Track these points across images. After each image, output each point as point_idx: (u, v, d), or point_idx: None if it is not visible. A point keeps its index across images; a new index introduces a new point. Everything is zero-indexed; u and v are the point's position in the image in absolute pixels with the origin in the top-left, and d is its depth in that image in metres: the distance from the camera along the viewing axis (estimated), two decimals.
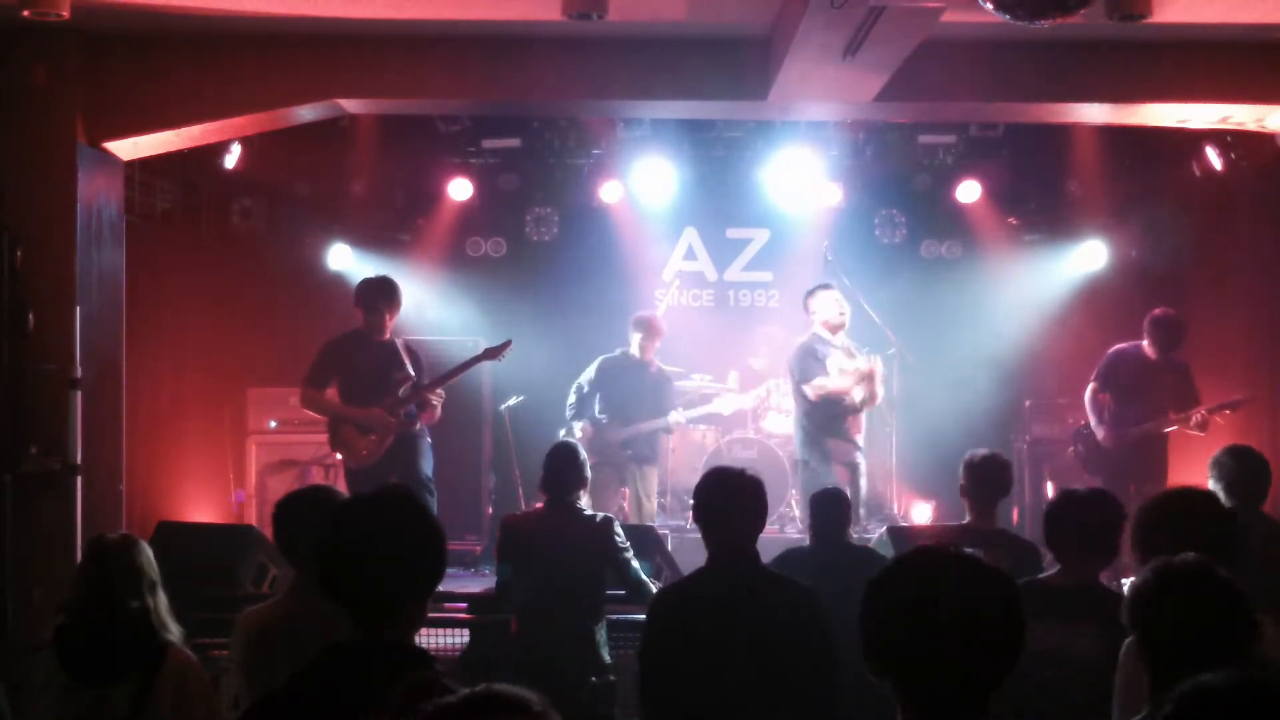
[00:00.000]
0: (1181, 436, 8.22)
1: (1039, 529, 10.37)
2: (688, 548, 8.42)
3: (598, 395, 8.62)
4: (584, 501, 5.40)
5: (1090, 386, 8.33)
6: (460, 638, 6.05)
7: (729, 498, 4.02)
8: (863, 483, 8.21)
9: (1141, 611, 2.67)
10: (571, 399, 8.71)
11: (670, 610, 4.03)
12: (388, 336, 7.77)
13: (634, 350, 8.66)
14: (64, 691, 3.82)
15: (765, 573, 4.04)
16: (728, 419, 9.86)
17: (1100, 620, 3.94)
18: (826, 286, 8.31)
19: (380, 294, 7.75)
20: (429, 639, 5.86)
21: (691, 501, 4.21)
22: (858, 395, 8.02)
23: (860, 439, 8.21)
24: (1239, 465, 4.94)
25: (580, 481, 5.30)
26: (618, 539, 5.24)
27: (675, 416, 8.66)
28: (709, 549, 4.02)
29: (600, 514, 5.43)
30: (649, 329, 8.65)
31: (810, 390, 7.94)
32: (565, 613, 5.13)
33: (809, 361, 7.99)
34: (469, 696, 1.68)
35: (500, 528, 5.45)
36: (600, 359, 8.73)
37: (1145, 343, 8.15)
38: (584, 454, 5.37)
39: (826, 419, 8.01)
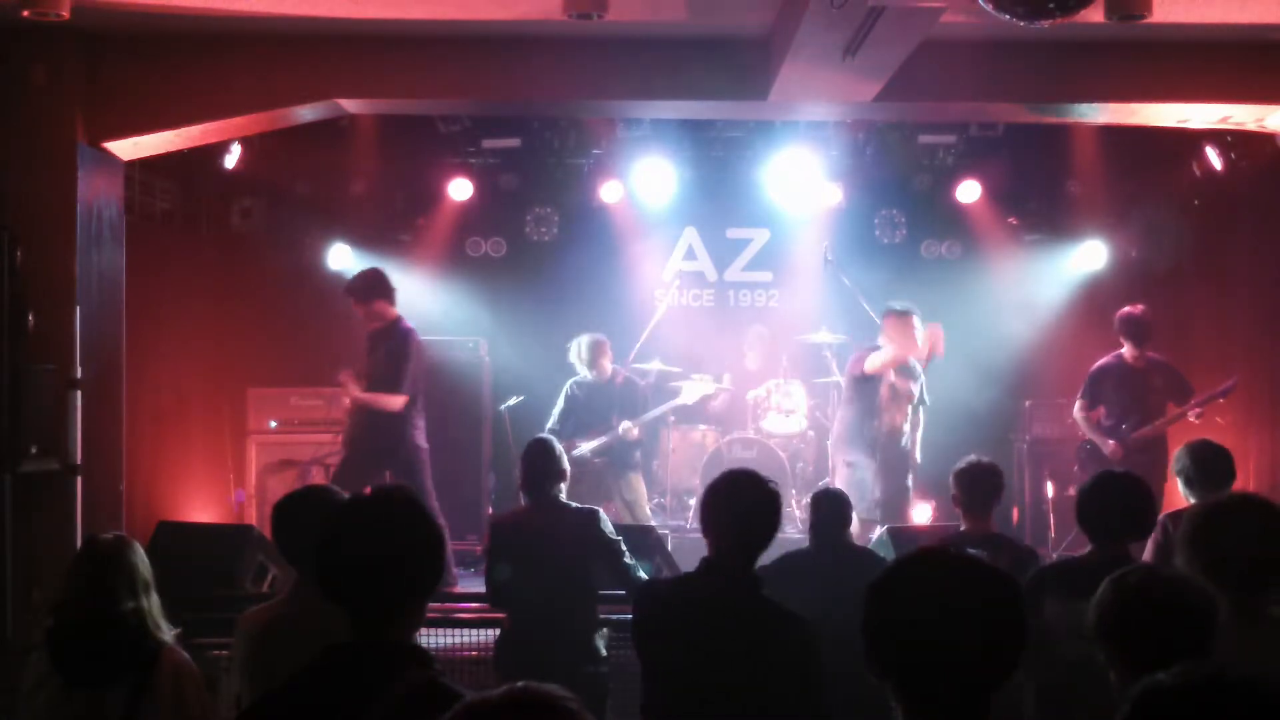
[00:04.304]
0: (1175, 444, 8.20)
1: (1040, 528, 10.35)
2: (688, 548, 8.39)
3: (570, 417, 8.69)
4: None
5: (1078, 404, 8.25)
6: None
7: (742, 512, 3.73)
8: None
9: (1103, 624, 2.74)
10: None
11: (654, 610, 3.89)
12: (377, 325, 7.95)
13: (588, 373, 8.67)
14: (58, 694, 3.80)
15: (760, 601, 3.70)
16: (725, 418, 9.85)
17: None
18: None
19: (352, 289, 8.01)
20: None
21: (697, 501, 4.13)
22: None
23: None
24: (1196, 460, 5.09)
25: (559, 474, 5.31)
26: (604, 527, 5.26)
27: (624, 425, 8.51)
28: (708, 552, 3.79)
29: (585, 506, 5.48)
30: (593, 350, 8.66)
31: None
32: (559, 605, 5.13)
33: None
34: (505, 694, 1.68)
35: (489, 529, 5.49)
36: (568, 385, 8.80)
37: (1124, 348, 8.12)
38: (559, 447, 5.39)
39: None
